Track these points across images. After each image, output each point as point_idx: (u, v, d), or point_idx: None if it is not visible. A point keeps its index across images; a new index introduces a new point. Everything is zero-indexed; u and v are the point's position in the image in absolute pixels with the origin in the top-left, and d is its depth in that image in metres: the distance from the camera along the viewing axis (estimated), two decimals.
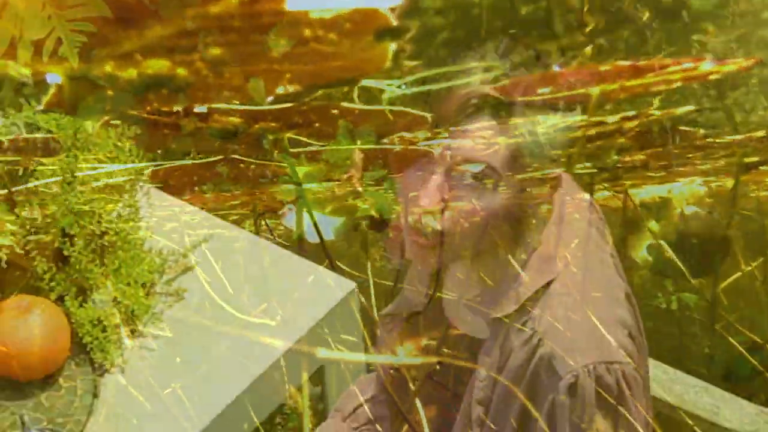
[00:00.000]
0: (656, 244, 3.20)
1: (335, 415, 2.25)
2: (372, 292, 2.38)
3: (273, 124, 3.01)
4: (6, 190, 2.23)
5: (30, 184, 2.27)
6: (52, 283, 2.29)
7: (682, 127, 3.11)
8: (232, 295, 2.40)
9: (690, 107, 3.05)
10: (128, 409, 2.28)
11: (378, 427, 2.27)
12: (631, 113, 3.05)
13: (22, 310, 2.23)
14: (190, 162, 2.99)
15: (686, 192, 3.25)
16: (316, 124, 2.97)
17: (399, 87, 2.07)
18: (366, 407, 2.26)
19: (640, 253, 3.25)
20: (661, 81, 2.73)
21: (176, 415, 2.27)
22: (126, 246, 2.36)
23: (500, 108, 1.82)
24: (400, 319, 2.11)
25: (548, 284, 1.89)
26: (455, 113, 1.81)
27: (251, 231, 3.08)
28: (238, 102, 3.08)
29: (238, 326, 2.35)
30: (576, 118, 1.87)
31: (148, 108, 3.00)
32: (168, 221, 2.52)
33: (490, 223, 1.85)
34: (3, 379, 2.26)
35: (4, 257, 2.19)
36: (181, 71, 3.00)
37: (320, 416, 2.47)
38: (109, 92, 2.82)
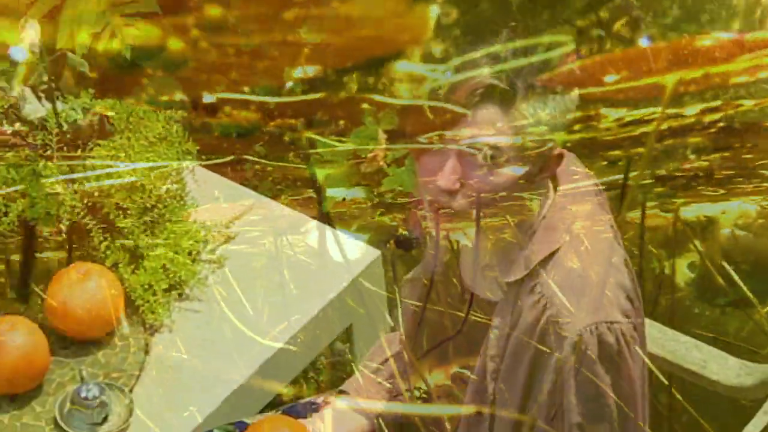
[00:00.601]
0: (699, 262, 3.02)
1: (363, 368, 2.38)
2: (400, 312, 2.43)
3: (292, 121, 2.82)
4: (67, 167, 2.36)
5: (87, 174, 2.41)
6: (108, 252, 2.42)
7: None
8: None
9: None
10: (176, 364, 2.41)
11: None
12: (715, 103, 2.69)
13: (81, 276, 2.36)
14: (195, 164, 2.72)
15: (735, 212, 3.00)
16: (341, 122, 2.78)
17: (443, 73, 2.02)
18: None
19: (682, 271, 3.05)
20: (747, 68, 2.18)
21: (220, 369, 2.41)
22: (174, 218, 2.48)
23: (505, 95, 1.95)
24: (419, 285, 2.26)
25: (554, 252, 2.02)
26: (464, 102, 1.96)
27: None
28: (248, 89, 2.94)
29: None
30: (574, 100, 1.98)
31: (144, 95, 2.94)
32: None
33: (500, 198, 1.98)
34: (64, 338, 2.39)
35: (64, 227, 2.35)
36: (175, 43, 2.90)
37: (349, 370, 2.60)
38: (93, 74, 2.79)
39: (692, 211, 2.99)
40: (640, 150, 2.79)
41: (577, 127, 1.95)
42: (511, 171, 1.98)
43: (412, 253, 2.41)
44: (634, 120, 2.65)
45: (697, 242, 3.00)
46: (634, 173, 2.79)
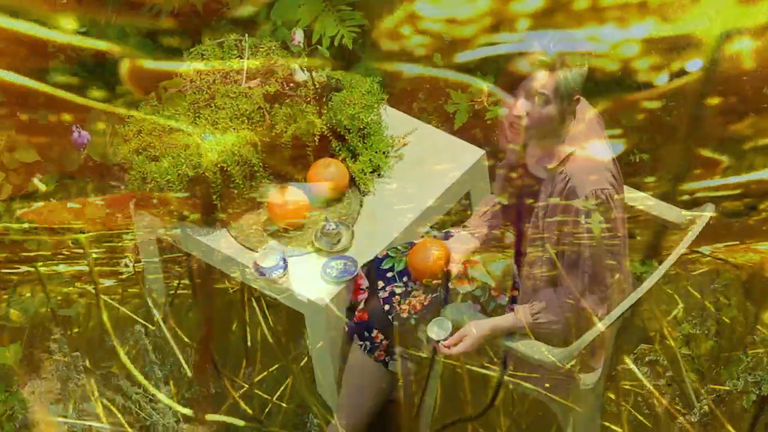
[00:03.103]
0: None
1: (475, 214, 3.48)
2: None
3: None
4: (317, 106, 3.49)
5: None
6: (339, 152, 3.58)
7: None
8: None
9: None
10: (377, 212, 3.49)
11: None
12: None
13: (326, 165, 3.53)
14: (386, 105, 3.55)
15: None
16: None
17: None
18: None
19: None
20: None
21: (400, 215, 3.47)
22: (375, 132, 3.59)
23: (551, 65, 3.06)
24: (503, 173, 3.34)
25: (573, 151, 3.15)
26: (529, 65, 3.09)
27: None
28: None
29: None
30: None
31: (361, 69, 3.63)
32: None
33: (547, 121, 3.13)
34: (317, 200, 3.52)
35: (316, 140, 3.52)
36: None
37: (469, 215, 3.66)
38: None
39: None
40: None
41: (561, 75, 2.74)
42: (554, 106, 3.09)
43: None
44: (582, 72, 3.12)
45: None
46: None
